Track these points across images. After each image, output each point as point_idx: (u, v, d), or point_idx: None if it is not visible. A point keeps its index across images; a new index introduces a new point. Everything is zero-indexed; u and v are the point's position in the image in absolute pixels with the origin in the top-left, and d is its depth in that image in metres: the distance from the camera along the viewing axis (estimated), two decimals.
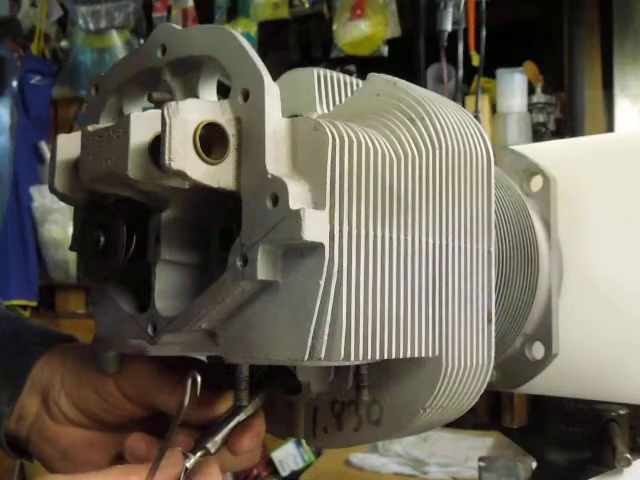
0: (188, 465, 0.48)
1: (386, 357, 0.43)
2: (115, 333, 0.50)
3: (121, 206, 0.49)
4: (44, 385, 0.56)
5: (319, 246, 0.41)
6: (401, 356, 0.44)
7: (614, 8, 2.10)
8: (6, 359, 0.58)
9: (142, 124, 0.44)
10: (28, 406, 0.57)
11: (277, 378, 0.54)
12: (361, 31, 2.26)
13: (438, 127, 0.47)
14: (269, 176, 0.41)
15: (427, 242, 0.46)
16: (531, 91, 2.16)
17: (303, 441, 0.56)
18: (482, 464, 1.37)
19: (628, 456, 0.63)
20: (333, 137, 0.42)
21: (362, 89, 0.52)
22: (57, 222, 2.52)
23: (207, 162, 0.42)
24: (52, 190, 0.50)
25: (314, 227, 0.40)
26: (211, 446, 0.50)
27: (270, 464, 2.42)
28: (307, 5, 2.32)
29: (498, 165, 0.67)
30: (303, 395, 0.54)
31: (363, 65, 2.32)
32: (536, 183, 0.67)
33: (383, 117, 0.48)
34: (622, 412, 0.66)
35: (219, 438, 0.50)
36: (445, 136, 0.48)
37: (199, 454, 0.49)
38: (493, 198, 0.51)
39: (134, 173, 0.44)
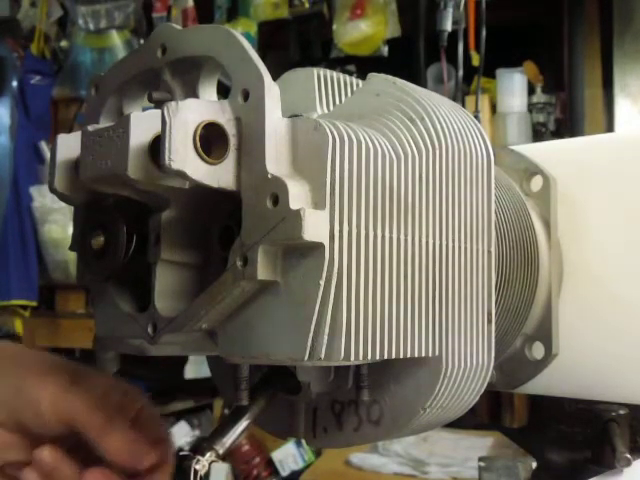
0: (199, 467, 0.47)
1: (386, 357, 0.43)
2: (115, 333, 0.50)
3: (121, 206, 0.49)
4: None
5: (319, 246, 0.40)
6: (401, 356, 0.44)
7: (614, 8, 2.11)
8: None
9: (142, 124, 0.44)
10: None
11: (280, 378, 0.54)
12: (361, 31, 2.26)
13: (438, 127, 0.47)
14: (269, 176, 0.41)
15: (427, 242, 0.46)
16: (531, 91, 2.17)
17: (303, 441, 0.56)
18: (482, 464, 1.37)
19: (628, 456, 0.63)
20: (333, 137, 0.42)
21: (362, 89, 0.52)
22: (57, 222, 2.52)
23: (207, 162, 0.42)
24: (52, 190, 0.50)
25: (314, 227, 0.40)
26: (219, 447, 0.49)
27: (270, 464, 2.43)
28: (307, 5, 2.33)
29: (498, 165, 0.67)
30: (303, 395, 0.54)
31: (363, 65, 2.32)
32: (536, 183, 0.67)
33: (383, 117, 0.48)
34: (622, 412, 0.66)
35: (227, 440, 0.50)
36: (445, 136, 0.48)
37: (208, 455, 0.48)
38: (493, 198, 0.51)
39: (134, 173, 0.44)
